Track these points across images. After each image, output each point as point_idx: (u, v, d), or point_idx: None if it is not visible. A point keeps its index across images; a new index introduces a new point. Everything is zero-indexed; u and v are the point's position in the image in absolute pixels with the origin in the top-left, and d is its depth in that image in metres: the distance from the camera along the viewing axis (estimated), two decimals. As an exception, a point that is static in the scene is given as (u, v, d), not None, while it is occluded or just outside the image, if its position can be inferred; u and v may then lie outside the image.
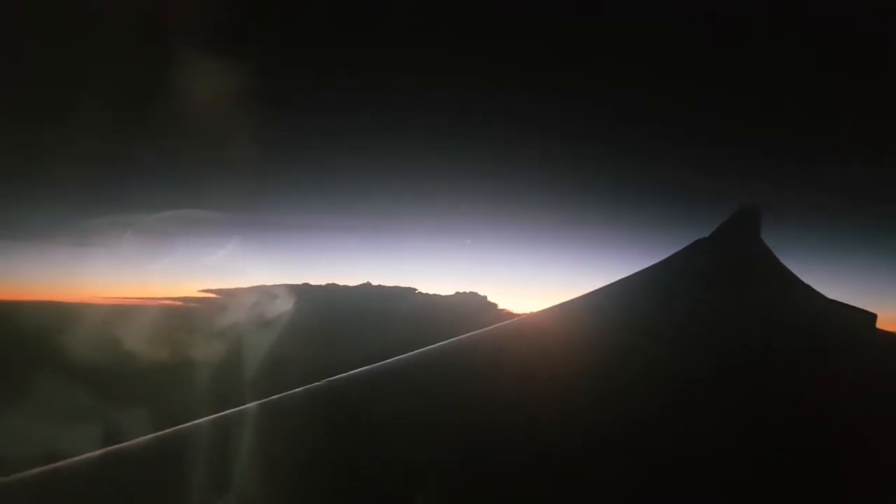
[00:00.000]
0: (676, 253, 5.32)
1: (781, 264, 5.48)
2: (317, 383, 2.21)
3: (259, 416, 1.97)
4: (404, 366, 2.54)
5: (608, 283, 4.48)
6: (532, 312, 4.32)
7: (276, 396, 2.08)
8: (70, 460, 1.68)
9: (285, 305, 2.12)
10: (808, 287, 5.03)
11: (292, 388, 2.13)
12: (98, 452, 1.77)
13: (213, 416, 1.97)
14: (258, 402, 2.05)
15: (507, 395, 2.30)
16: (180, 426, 1.92)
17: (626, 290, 4.39)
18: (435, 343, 2.76)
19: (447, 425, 2.02)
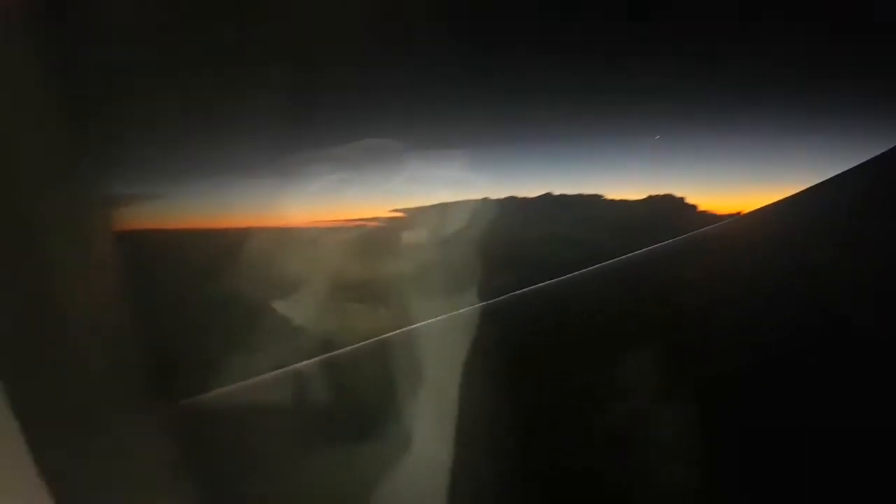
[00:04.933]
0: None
1: None
2: (501, 297, 2.21)
3: (452, 326, 2.03)
4: (593, 278, 2.40)
5: (816, 181, 3.72)
6: (734, 217, 3.82)
7: (463, 310, 2.11)
8: (281, 371, 1.91)
9: (466, 221, 2.13)
10: None
11: (478, 303, 2.15)
12: (311, 360, 1.98)
13: (414, 325, 2.08)
14: (447, 314, 2.11)
15: (714, 308, 2.07)
16: (384, 335, 2.06)
17: (834, 194, 3.61)
18: (627, 252, 2.56)
19: (646, 340, 1.89)
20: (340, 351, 2.07)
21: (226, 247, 1.92)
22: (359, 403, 1.88)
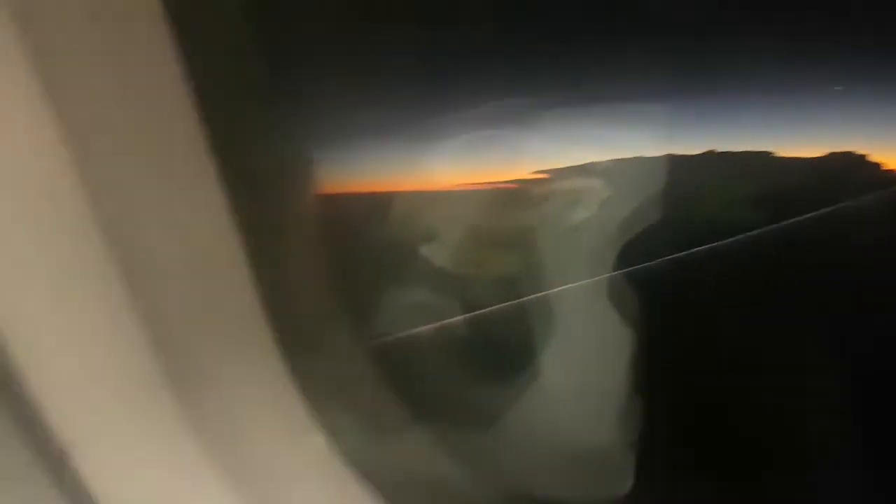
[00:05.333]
0: None
1: None
2: (658, 260, 2.15)
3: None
4: (761, 242, 2.24)
5: None
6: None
7: (617, 272, 2.09)
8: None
9: (619, 181, 2.06)
10: None
11: (631, 266, 2.11)
12: (463, 316, 2.08)
13: (564, 287, 2.10)
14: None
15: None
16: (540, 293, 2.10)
17: None
18: (799, 214, 2.35)
19: (819, 308, 1.75)
20: (490, 309, 2.14)
21: (377, 209, 2.04)
22: (507, 359, 1.95)
